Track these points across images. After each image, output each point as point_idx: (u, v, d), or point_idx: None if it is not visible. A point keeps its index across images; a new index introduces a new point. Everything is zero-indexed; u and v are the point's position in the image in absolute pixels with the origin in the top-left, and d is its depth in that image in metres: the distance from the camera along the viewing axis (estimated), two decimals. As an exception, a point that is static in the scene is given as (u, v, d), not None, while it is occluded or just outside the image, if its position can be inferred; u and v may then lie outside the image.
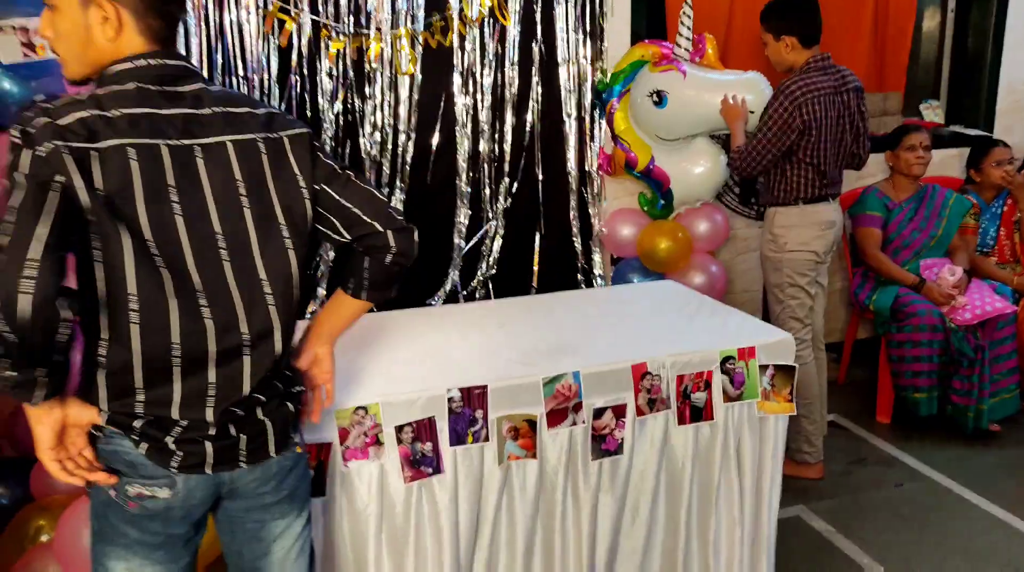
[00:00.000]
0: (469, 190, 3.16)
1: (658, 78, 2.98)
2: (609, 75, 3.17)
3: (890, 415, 3.30)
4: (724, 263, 3.44)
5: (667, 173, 3.10)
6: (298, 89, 2.93)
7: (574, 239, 3.28)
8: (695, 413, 1.96)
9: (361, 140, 3.04)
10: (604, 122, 3.21)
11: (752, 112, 2.82)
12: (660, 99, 2.97)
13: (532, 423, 1.83)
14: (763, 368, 1.99)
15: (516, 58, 3.11)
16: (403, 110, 3.05)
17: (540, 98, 3.16)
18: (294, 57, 2.90)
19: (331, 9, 2.90)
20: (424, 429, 1.76)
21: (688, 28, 2.96)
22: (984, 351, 3.08)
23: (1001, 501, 2.72)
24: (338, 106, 2.99)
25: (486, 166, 3.17)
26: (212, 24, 2.79)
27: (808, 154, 2.70)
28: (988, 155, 3.51)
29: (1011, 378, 3.12)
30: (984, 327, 3.09)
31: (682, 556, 2.03)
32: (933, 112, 4.13)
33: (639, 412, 1.91)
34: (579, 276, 3.32)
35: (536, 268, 3.26)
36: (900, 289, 3.20)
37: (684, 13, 2.97)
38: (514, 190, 3.20)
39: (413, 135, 3.08)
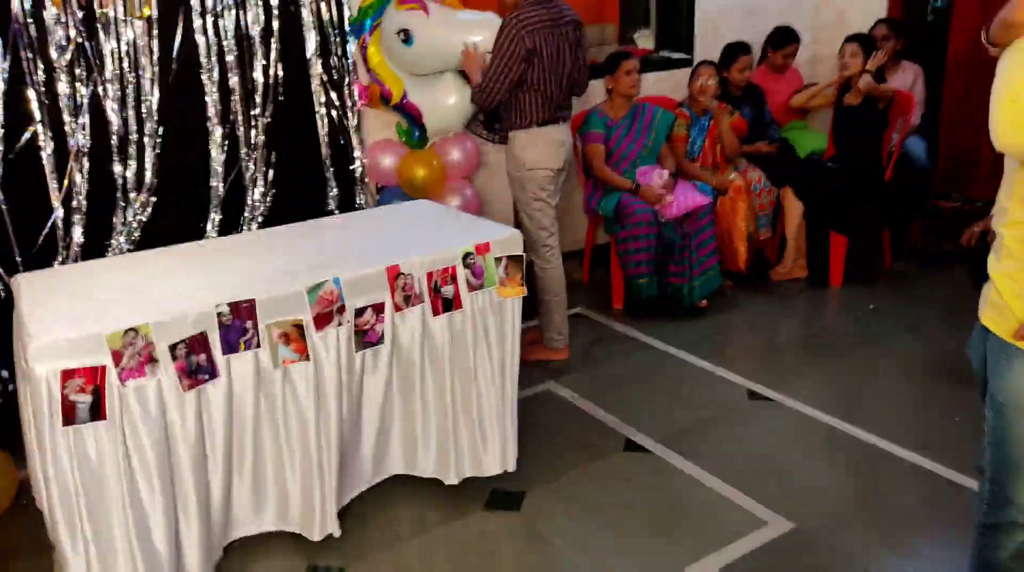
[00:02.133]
0: (221, 131, 3.22)
1: (404, 16, 3.19)
2: (358, 10, 3.33)
3: (623, 302, 3.89)
4: (479, 187, 3.81)
5: (420, 106, 3.36)
6: (25, 39, 2.81)
7: (334, 169, 3.45)
8: (446, 304, 2.29)
9: (102, 90, 2.98)
10: (359, 55, 3.38)
11: (490, 53, 3.13)
12: (407, 37, 3.19)
13: (301, 328, 2.06)
14: (498, 260, 2.35)
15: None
16: (143, 57, 3.02)
17: (284, 39, 3.26)
18: (15, 4, 2.77)
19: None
20: (197, 343, 1.92)
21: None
22: (690, 238, 3.72)
23: (708, 357, 3.37)
24: (71, 55, 2.90)
25: (239, 107, 3.24)
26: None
27: (535, 82, 3.06)
28: (695, 72, 4.11)
29: (713, 259, 3.80)
30: (688, 218, 3.72)
31: (451, 426, 2.38)
32: (646, 40, 4.73)
33: (396, 308, 2.21)
34: (342, 205, 3.52)
35: (298, 201, 3.40)
36: (622, 194, 3.75)
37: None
38: (268, 127, 3.30)
39: (156, 80, 3.07)
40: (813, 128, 4.69)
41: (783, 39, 4.54)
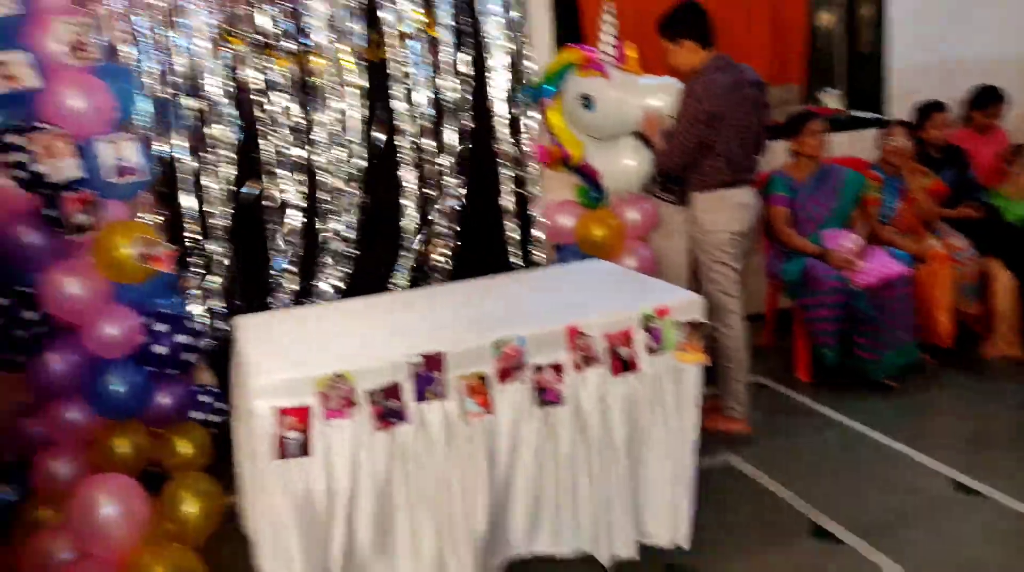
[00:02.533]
0: (415, 189, 3.46)
1: (585, 82, 3.31)
2: (541, 77, 3.49)
3: (808, 372, 3.69)
4: (655, 246, 3.81)
5: (598, 168, 3.44)
6: (250, 106, 3.19)
7: (516, 228, 3.60)
8: (624, 366, 2.29)
9: (308, 148, 3.31)
10: (540, 119, 3.53)
11: (671, 117, 3.16)
12: (588, 102, 3.30)
13: (484, 379, 2.13)
14: (678, 324, 2.33)
15: (449, 67, 3.42)
16: (350, 121, 3.33)
17: (474, 102, 3.48)
18: (244, 75, 3.16)
19: (275, 31, 3.16)
20: (392, 391, 2.05)
21: (611, 35, 3.29)
22: (883, 309, 3.48)
23: (900, 437, 3.10)
24: (288, 118, 3.25)
25: (428, 167, 3.47)
26: (168, 45, 3.03)
27: (718, 145, 3.04)
28: (888, 133, 3.92)
29: (909, 333, 3.53)
30: (883, 288, 3.49)
31: (621, 492, 2.35)
32: (833, 100, 4.56)
33: (576, 367, 2.24)
34: (523, 262, 3.64)
35: (481, 256, 3.57)
36: (807, 259, 3.60)
37: (606, 21, 3.30)
38: (456, 187, 3.51)
39: (358, 141, 3.36)
40: (1027, 192, 4.29)
41: (987, 98, 4.23)
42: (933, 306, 3.63)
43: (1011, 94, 4.40)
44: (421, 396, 2.09)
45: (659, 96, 3.18)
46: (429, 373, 2.09)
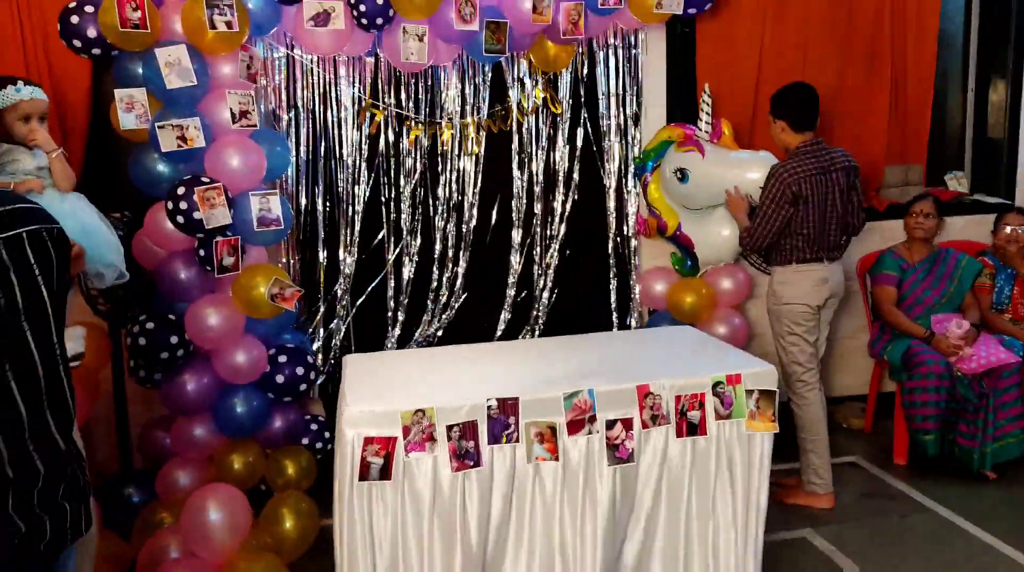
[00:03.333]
0: (521, 250, 3.72)
1: (681, 157, 3.48)
2: (643, 152, 3.70)
3: (906, 457, 3.57)
4: (751, 317, 3.85)
5: (692, 237, 3.57)
6: (384, 168, 3.57)
7: (612, 292, 3.77)
8: (691, 428, 2.38)
9: (432, 209, 3.65)
10: (641, 192, 3.72)
11: (751, 197, 3.28)
12: (683, 176, 3.47)
13: (554, 429, 2.30)
14: (749, 392, 2.40)
15: (565, 139, 3.69)
16: (468, 185, 3.65)
17: (583, 174, 3.72)
18: (381, 142, 3.56)
19: (411, 103, 3.55)
20: (468, 429, 2.25)
21: (707, 114, 3.48)
22: (988, 398, 3.35)
23: (999, 534, 2.96)
24: (415, 182, 3.61)
25: (539, 230, 3.73)
26: (317, 117, 3.47)
27: (798, 225, 3.11)
28: (1002, 220, 3.82)
29: (1016, 424, 3.36)
30: (990, 376, 3.37)
31: (683, 556, 2.42)
32: (958, 182, 4.46)
33: (644, 425, 2.35)
34: (616, 325, 3.79)
35: (578, 316, 3.75)
36: (912, 341, 3.53)
37: (704, 101, 3.49)
38: (560, 250, 3.73)
39: (476, 205, 3.66)
40: None
41: None
42: (1046, 398, 3.44)
43: None
44: (494, 438, 2.27)
45: (751, 170, 3.30)
46: (504, 417, 2.28)
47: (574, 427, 2.31)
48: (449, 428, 2.23)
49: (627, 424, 2.35)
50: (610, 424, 2.33)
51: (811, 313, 3.17)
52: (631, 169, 3.77)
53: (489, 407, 2.26)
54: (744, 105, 3.89)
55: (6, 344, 1.30)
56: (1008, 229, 3.72)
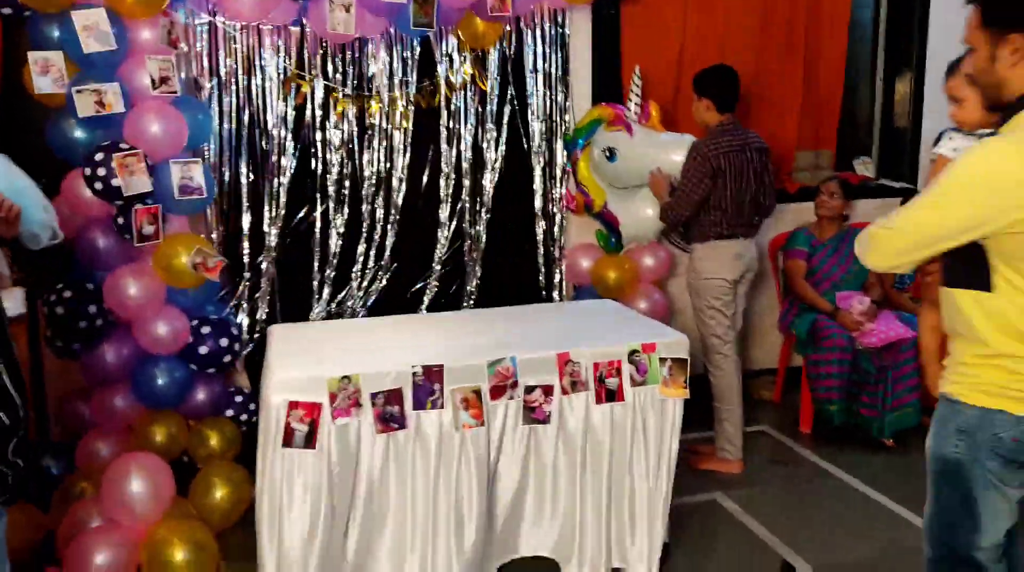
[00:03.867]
0: (449, 224, 3.76)
1: (610, 136, 3.58)
2: (573, 130, 3.78)
3: (811, 426, 3.80)
4: (672, 293, 4.00)
5: (617, 215, 3.68)
6: (310, 140, 3.55)
7: (539, 268, 3.86)
8: (609, 395, 2.49)
9: (360, 183, 3.65)
10: (570, 168, 3.80)
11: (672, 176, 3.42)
12: (611, 154, 3.57)
13: (479, 394, 2.37)
14: (663, 360, 2.53)
15: (493, 116, 3.74)
16: (397, 159, 3.67)
17: (509, 150, 3.78)
18: (307, 114, 3.53)
19: (339, 75, 3.53)
20: (393, 396, 2.30)
21: (637, 95, 3.58)
22: (887, 371, 3.58)
23: (897, 498, 3.17)
24: (343, 155, 3.60)
25: (467, 205, 3.77)
26: (240, 86, 3.42)
27: (717, 201, 3.27)
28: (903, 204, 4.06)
29: (912, 395, 3.60)
30: (889, 350, 3.60)
31: (604, 514, 2.54)
32: (865, 167, 4.71)
33: (564, 392, 2.45)
34: (542, 299, 3.88)
35: (504, 290, 3.82)
36: (818, 316, 3.74)
37: (634, 82, 3.60)
38: (488, 225, 3.79)
39: (404, 179, 3.68)
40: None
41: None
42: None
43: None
44: (420, 404, 2.33)
45: (677, 151, 3.42)
46: (429, 384, 2.34)
47: (496, 392, 2.39)
48: (374, 395, 2.28)
49: (547, 390, 2.44)
50: (530, 389, 2.42)
51: (728, 287, 3.32)
52: (557, 147, 3.84)
53: (414, 374, 2.32)
54: (667, 87, 4.01)
55: None
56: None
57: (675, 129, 3.77)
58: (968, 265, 1.62)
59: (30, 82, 2.81)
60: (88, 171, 2.74)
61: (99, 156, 2.74)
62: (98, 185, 2.74)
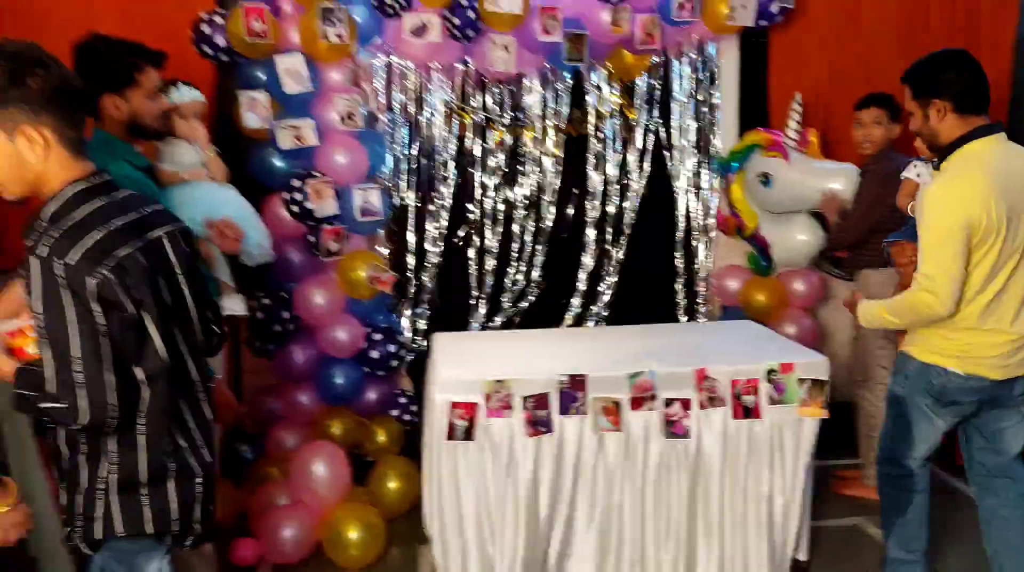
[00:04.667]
0: (595, 246, 3.99)
1: (766, 162, 3.66)
2: (728, 154, 3.89)
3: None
4: (823, 319, 4.00)
5: (769, 239, 3.75)
6: (470, 166, 3.90)
7: (683, 287, 4.00)
8: (746, 411, 2.60)
9: (514, 206, 3.95)
10: (722, 190, 3.92)
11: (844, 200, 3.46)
12: (767, 180, 3.65)
13: (618, 404, 2.56)
14: (801, 381, 2.61)
15: (640, 144, 3.94)
16: (547, 184, 3.94)
17: (654, 175, 3.95)
18: (467, 142, 3.88)
19: (496, 107, 3.86)
20: (542, 400, 2.53)
21: (796, 122, 3.65)
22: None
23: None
24: (498, 180, 3.92)
25: (611, 228, 3.98)
26: (412, 117, 3.81)
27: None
28: None
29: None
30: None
31: (740, 526, 2.65)
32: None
33: (701, 406, 2.59)
34: (687, 317, 4.02)
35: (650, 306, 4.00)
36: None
37: (793, 108, 3.66)
38: (629, 244, 3.98)
39: (554, 202, 3.95)
40: None
41: None
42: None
43: None
44: (565, 410, 2.55)
45: (834, 180, 3.47)
46: (573, 391, 2.55)
47: (636, 403, 2.57)
48: (524, 398, 2.52)
49: (685, 404, 2.59)
50: (669, 402, 2.58)
51: None
52: (703, 173, 3.97)
53: (561, 381, 2.54)
54: (813, 115, 4.03)
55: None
56: None
57: (831, 155, 3.80)
58: None
59: (239, 118, 3.30)
60: (287, 195, 3.19)
61: (296, 183, 3.18)
62: (294, 207, 3.19)
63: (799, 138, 3.67)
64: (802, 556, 2.70)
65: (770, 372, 2.61)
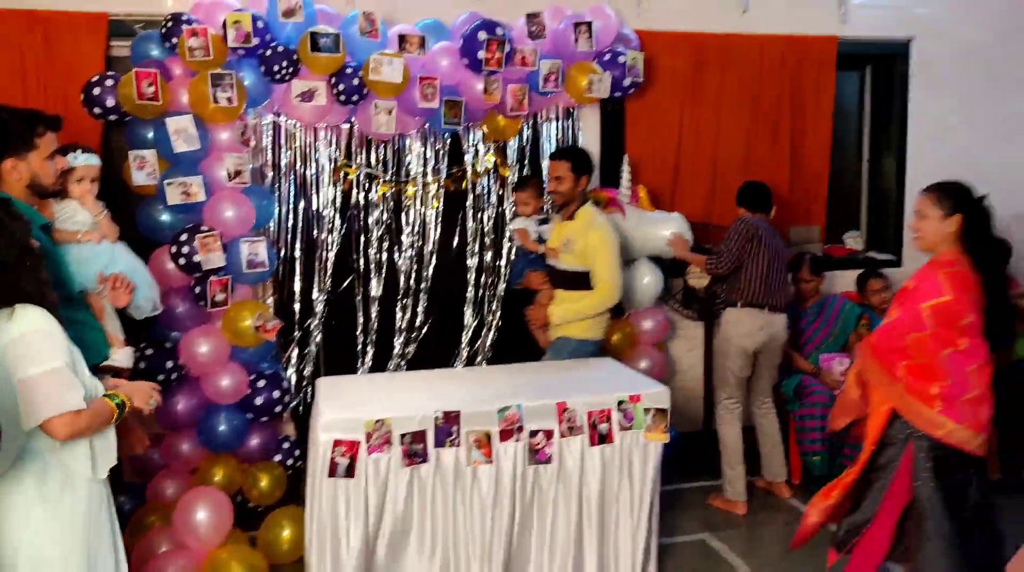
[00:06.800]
0: (473, 292, 4.29)
1: (607, 217, 4.09)
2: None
3: (799, 476, 4.16)
4: (674, 354, 4.45)
5: (619, 284, 4.18)
6: (355, 219, 4.14)
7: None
8: (600, 438, 2.94)
9: (396, 254, 4.21)
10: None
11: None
12: (609, 232, 4.10)
13: (489, 436, 2.83)
14: (647, 410, 2.97)
15: (512, 198, 4.30)
16: (429, 235, 4.24)
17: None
18: (353, 196, 4.13)
19: (380, 164, 4.14)
20: (419, 436, 2.77)
21: (627, 180, 4.12)
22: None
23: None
24: (382, 232, 4.18)
25: (486, 277, 4.31)
26: (297, 174, 4.03)
27: (755, 262, 3.81)
28: (867, 284, 4.50)
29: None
30: (868, 406, 3.99)
31: (596, 542, 2.95)
32: (854, 241, 5.15)
33: (562, 435, 2.90)
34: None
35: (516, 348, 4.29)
36: (803, 376, 4.15)
37: (624, 169, 4.15)
38: (509, 291, 4.31)
39: (435, 252, 4.24)
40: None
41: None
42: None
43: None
44: (440, 443, 2.80)
45: (665, 227, 3.98)
46: (448, 426, 2.81)
47: (505, 435, 2.86)
48: (403, 435, 2.76)
49: (548, 434, 2.90)
50: (534, 433, 2.88)
51: (746, 353, 3.87)
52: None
53: (436, 418, 2.80)
54: (666, 172, 4.55)
55: None
56: (877, 285, 4.44)
57: (669, 209, 4.29)
58: None
59: (128, 176, 3.43)
60: (174, 249, 3.33)
61: (184, 237, 3.33)
62: (182, 260, 3.33)
63: (631, 194, 4.16)
64: (651, 569, 3.03)
65: (620, 402, 2.96)
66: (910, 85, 5.00)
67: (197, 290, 3.45)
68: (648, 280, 4.14)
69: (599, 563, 2.97)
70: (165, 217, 3.48)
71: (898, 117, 5.07)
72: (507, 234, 4.31)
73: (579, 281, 3.63)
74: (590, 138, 4.44)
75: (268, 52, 3.52)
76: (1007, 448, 4.11)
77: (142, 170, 3.40)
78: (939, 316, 2.52)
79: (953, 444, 2.53)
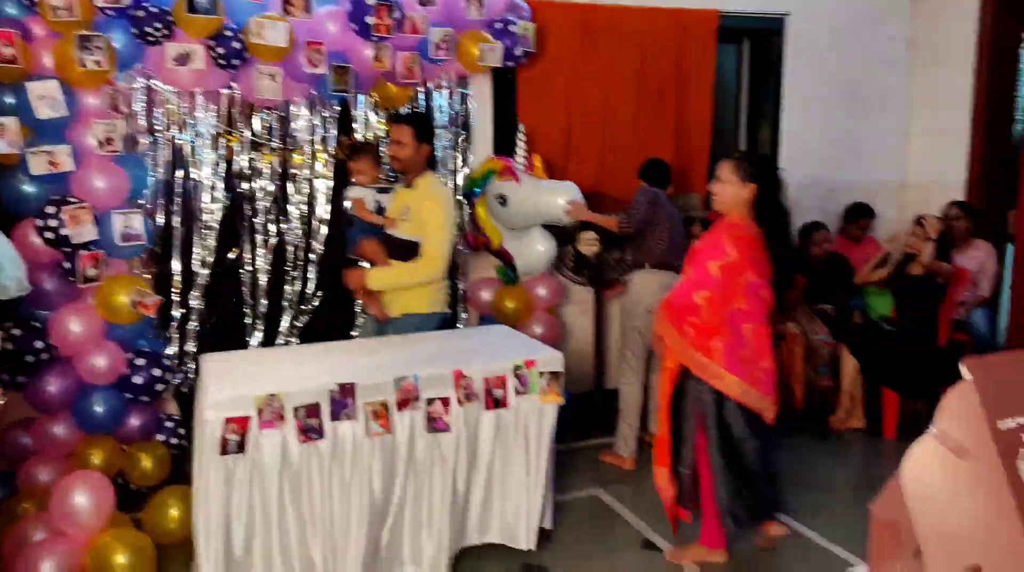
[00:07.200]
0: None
1: (501, 185, 4.13)
2: (469, 180, 4.31)
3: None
4: (566, 319, 4.55)
5: (512, 252, 4.22)
6: (239, 189, 3.98)
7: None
8: (496, 403, 2.98)
9: (284, 224, 4.09)
10: (470, 212, 4.33)
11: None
12: (503, 201, 4.12)
13: (386, 407, 2.82)
14: (541, 373, 3.04)
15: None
16: (317, 205, 4.13)
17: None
18: (236, 164, 3.96)
19: (265, 131, 3.99)
20: (312, 410, 2.73)
21: (522, 149, 4.16)
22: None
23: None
24: (269, 201, 4.04)
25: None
26: (173, 142, 3.83)
27: (661, 224, 3.96)
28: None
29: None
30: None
31: (496, 502, 3.02)
32: (734, 208, 5.39)
33: (459, 402, 2.93)
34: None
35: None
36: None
37: (518, 138, 4.18)
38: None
39: (323, 217, 4.14)
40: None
41: (857, 213, 5.09)
42: (789, 376, 4.37)
43: (880, 211, 5.28)
44: (336, 416, 2.77)
45: (558, 195, 4.04)
46: (343, 399, 2.78)
47: (402, 405, 2.85)
48: (296, 409, 2.71)
49: (445, 402, 2.92)
50: (430, 401, 2.89)
51: (650, 314, 3.90)
52: (459, 193, 4.37)
53: (331, 391, 2.76)
54: (558, 141, 4.60)
55: None
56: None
57: (562, 177, 4.36)
58: None
59: (-16, 144, 3.15)
60: (41, 222, 3.11)
61: (51, 209, 3.11)
62: (49, 234, 3.11)
63: (526, 163, 4.21)
64: (547, 524, 3.13)
65: (516, 368, 3.01)
66: (784, 60, 5.25)
67: (67, 266, 3.23)
68: (542, 248, 4.20)
69: (500, 523, 3.03)
70: (29, 188, 3.23)
71: (773, 90, 5.32)
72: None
73: (414, 251, 3.45)
74: (482, 107, 4.43)
75: (140, 13, 3.30)
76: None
77: (2, 138, 3.13)
78: (726, 273, 2.80)
79: (735, 397, 2.82)
